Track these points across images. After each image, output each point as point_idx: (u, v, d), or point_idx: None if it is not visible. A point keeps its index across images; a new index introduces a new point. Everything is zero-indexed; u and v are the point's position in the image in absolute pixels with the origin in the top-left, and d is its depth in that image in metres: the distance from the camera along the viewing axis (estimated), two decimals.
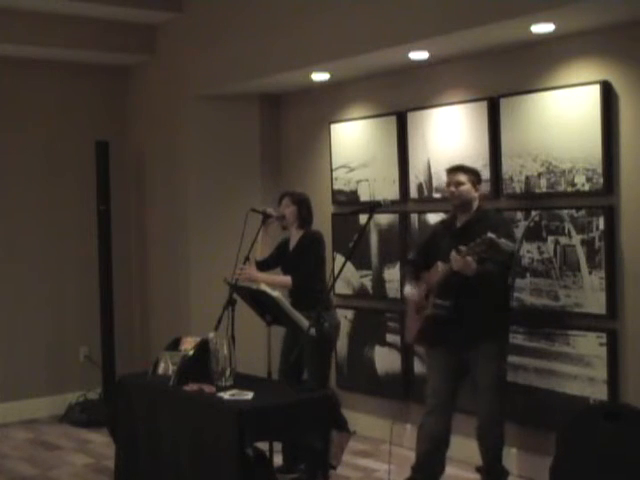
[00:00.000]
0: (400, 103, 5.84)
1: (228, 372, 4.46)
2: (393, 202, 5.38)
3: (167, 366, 4.73)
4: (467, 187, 4.63)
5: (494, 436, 4.70)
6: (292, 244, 5.30)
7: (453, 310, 4.50)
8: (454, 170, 4.72)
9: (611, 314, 4.68)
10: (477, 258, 4.30)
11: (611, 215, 4.68)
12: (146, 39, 6.97)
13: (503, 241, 4.24)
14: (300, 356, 4.96)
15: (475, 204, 4.68)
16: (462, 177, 4.65)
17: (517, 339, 5.10)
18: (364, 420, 5.82)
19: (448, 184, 4.70)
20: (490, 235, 4.23)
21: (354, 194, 6.21)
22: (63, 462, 5.77)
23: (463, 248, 4.31)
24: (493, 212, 4.86)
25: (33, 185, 6.95)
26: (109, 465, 5.32)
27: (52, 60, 6.90)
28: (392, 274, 5.90)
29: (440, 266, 4.52)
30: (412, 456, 4.86)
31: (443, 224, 4.87)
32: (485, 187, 5.26)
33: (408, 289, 4.78)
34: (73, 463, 5.74)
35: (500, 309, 4.68)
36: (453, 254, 4.34)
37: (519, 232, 5.07)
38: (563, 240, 4.88)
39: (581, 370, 4.80)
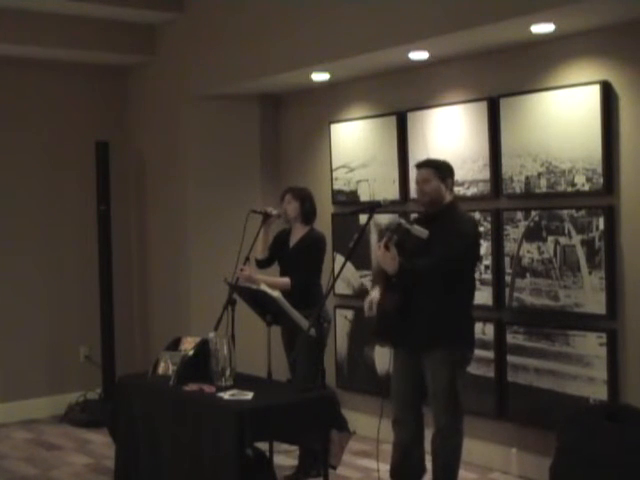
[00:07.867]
0: (400, 103, 5.84)
1: (228, 372, 4.46)
2: (393, 202, 5.41)
3: (167, 366, 4.73)
4: (434, 184, 4.40)
5: (446, 453, 4.41)
6: (294, 240, 5.29)
7: (402, 304, 4.25)
8: (421, 166, 4.52)
9: (611, 314, 4.68)
10: (395, 245, 4.13)
11: (611, 215, 4.68)
12: (146, 39, 6.96)
13: (416, 227, 4.15)
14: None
15: (447, 199, 4.45)
16: (429, 174, 4.43)
17: (517, 339, 5.10)
18: (364, 420, 5.82)
19: (417, 181, 4.51)
20: (400, 220, 4.16)
21: (354, 194, 6.21)
22: (63, 462, 5.77)
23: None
24: (460, 208, 4.58)
25: (33, 185, 6.94)
26: (109, 465, 5.32)
27: (52, 60, 6.89)
28: None
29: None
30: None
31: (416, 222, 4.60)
32: (485, 187, 5.27)
33: (373, 293, 4.50)
34: (73, 463, 5.74)
35: (455, 313, 4.36)
36: (374, 247, 4.23)
37: (519, 232, 5.08)
38: (563, 240, 4.88)
39: (581, 370, 4.80)
